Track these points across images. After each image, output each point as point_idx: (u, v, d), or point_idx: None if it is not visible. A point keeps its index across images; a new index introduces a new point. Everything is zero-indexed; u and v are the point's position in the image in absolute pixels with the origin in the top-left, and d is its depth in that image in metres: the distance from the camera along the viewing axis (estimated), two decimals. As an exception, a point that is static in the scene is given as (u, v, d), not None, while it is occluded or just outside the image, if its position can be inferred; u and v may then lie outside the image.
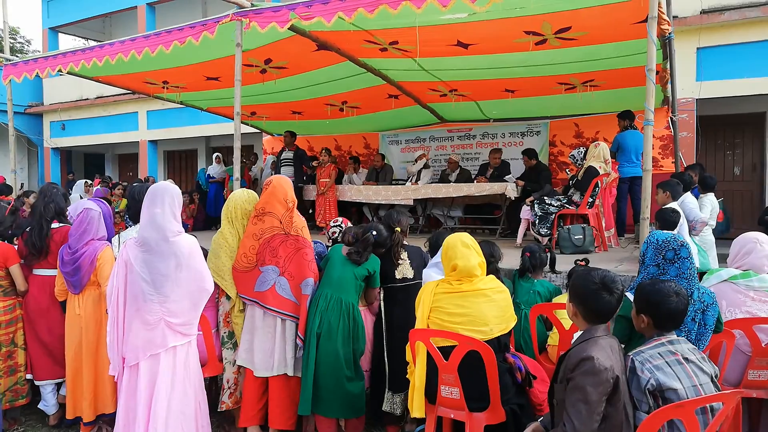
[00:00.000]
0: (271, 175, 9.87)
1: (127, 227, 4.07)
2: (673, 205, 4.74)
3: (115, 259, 3.54)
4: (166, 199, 2.86)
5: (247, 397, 3.55)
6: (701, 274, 3.59)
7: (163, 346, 2.80)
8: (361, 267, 3.50)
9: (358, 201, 9.13)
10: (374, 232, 3.55)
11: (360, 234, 3.60)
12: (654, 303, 2.37)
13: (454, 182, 8.68)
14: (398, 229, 3.68)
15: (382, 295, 3.71)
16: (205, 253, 3.58)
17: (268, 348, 3.47)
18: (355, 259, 3.49)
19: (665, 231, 3.05)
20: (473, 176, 8.84)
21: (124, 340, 2.83)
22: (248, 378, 3.54)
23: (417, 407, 2.90)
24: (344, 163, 10.61)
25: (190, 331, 2.92)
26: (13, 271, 3.89)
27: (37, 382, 3.96)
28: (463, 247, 2.96)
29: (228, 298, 3.58)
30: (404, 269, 3.66)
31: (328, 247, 4.07)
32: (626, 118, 7.16)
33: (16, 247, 3.99)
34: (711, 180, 5.99)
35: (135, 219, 3.82)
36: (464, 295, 2.89)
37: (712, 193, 5.92)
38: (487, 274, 3.73)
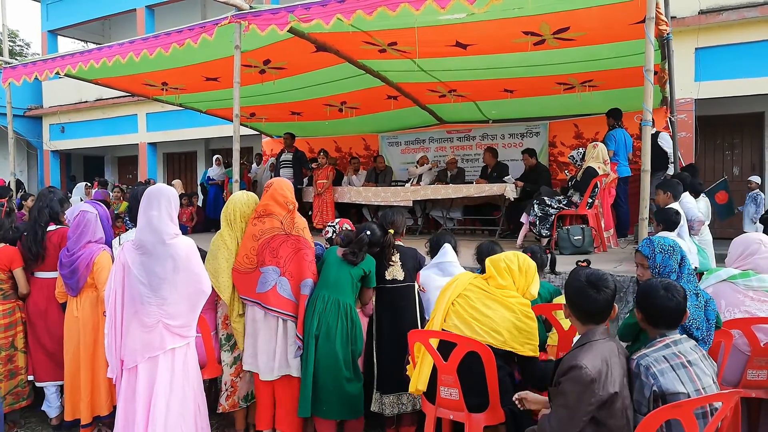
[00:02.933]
0: (270, 176, 9.92)
1: (127, 230, 4.07)
2: (674, 205, 4.74)
3: (113, 261, 3.56)
4: (162, 201, 2.86)
5: (261, 400, 3.56)
6: (700, 275, 3.61)
7: (161, 349, 2.79)
8: (357, 267, 3.50)
9: (357, 202, 9.13)
10: (368, 232, 3.55)
11: (354, 234, 3.60)
12: (643, 299, 2.38)
13: (450, 182, 8.69)
14: (391, 231, 3.68)
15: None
16: (204, 254, 3.60)
17: (270, 350, 3.47)
18: (350, 259, 3.49)
19: (666, 234, 3.06)
20: (469, 177, 8.85)
21: (122, 342, 2.83)
22: (258, 382, 3.55)
23: (422, 381, 2.91)
24: (345, 164, 10.61)
25: (188, 333, 2.91)
26: (17, 274, 3.90)
27: (38, 384, 3.97)
28: (511, 252, 3.05)
29: (227, 300, 3.58)
30: (394, 271, 3.65)
31: (326, 248, 4.07)
32: (617, 116, 7.17)
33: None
34: (699, 186, 6.00)
35: (136, 221, 3.83)
36: (496, 300, 2.89)
37: (700, 198, 5.93)
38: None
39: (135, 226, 3.79)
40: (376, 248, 3.64)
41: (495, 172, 8.50)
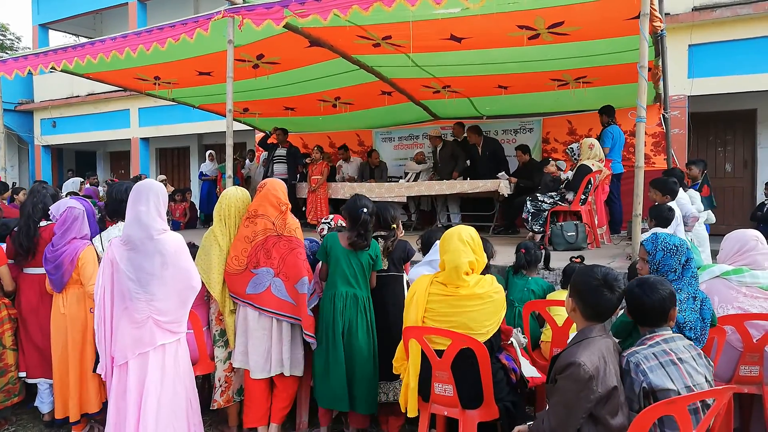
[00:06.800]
0: (262, 171, 9.88)
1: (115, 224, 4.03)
2: (671, 204, 4.76)
3: (98, 257, 3.53)
4: (150, 197, 2.83)
5: (252, 397, 3.54)
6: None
7: (151, 345, 2.78)
8: (365, 254, 3.46)
9: (351, 198, 9.08)
10: (364, 210, 3.47)
11: (349, 219, 3.53)
12: (627, 298, 2.40)
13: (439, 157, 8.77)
14: (394, 225, 3.67)
15: None
16: (196, 250, 3.58)
17: (264, 350, 3.47)
18: (361, 243, 3.43)
19: (664, 231, 3.06)
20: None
21: (112, 339, 2.82)
22: (249, 379, 3.53)
23: (411, 407, 2.90)
24: (336, 158, 10.58)
25: (178, 329, 2.90)
26: (1, 272, 3.85)
27: (30, 380, 3.94)
28: (458, 241, 2.85)
29: (220, 296, 3.56)
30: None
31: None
32: (610, 113, 7.19)
33: (4, 246, 3.96)
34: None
35: (112, 216, 3.83)
36: (461, 299, 2.81)
37: (691, 190, 5.96)
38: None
39: (111, 219, 3.81)
40: (383, 231, 3.64)
41: (487, 150, 8.38)
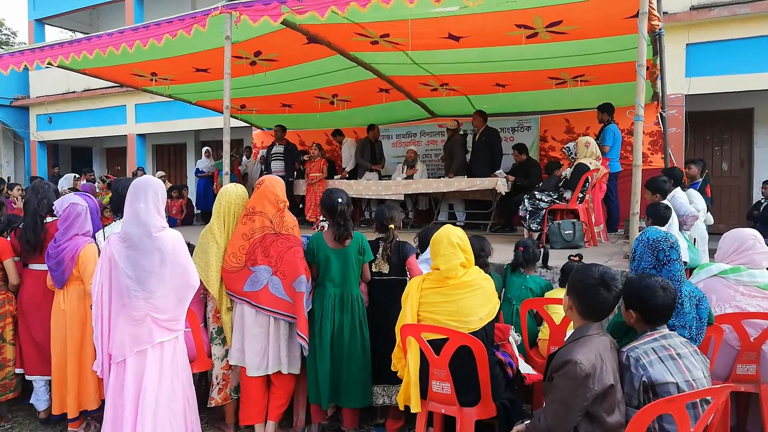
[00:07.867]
0: (260, 168, 9.86)
1: (115, 221, 4.02)
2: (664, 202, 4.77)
3: (99, 254, 3.52)
4: (149, 193, 2.82)
5: (249, 395, 3.54)
6: (691, 270, 3.62)
7: (149, 342, 2.77)
8: (352, 249, 3.48)
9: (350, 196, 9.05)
10: (339, 200, 3.50)
11: (327, 211, 3.55)
12: (642, 298, 2.36)
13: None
14: (391, 226, 3.67)
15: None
16: (192, 248, 3.56)
17: (260, 347, 3.47)
18: (344, 233, 3.46)
19: (658, 228, 3.05)
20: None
21: (110, 336, 2.81)
22: (246, 377, 3.53)
23: (414, 402, 2.90)
24: (336, 157, 10.55)
25: (176, 326, 2.89)
26: (7, 265, 3.84)
27: (27, 377, 3.93)
28: (448, 244, 2.91)
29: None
30: (380, 264, 3.65)
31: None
32: (610, 111, 7.19)
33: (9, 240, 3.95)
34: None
35: (117, 211, 3.81)
36: (452, 288, 2.89)
37: (691, 189, 5.98)
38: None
39: (117, 216, 3.80)
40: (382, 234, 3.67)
41: (484, 136, 8.32)
